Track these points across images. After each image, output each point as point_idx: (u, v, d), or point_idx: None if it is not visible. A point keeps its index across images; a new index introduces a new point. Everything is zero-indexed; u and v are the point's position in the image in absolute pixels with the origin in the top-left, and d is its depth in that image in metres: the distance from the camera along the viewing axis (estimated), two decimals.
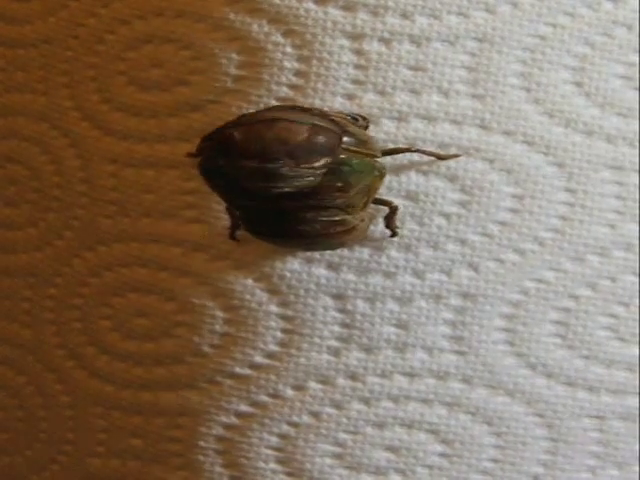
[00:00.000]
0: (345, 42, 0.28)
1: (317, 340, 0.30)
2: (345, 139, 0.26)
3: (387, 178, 0.28)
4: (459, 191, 0.29)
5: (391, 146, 0.28)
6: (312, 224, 0.27)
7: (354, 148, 0.26)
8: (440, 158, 0.28)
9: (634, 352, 0.30)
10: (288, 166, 0.25)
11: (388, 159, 0.28)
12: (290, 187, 0.25)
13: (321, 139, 0.25)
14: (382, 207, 0.28)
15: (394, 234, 0.29)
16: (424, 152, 0.28)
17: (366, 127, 0.27)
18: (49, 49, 0.30)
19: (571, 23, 0.28)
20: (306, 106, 0.27)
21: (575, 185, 0.29)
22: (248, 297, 0.30)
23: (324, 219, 0.27)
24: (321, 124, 0.26)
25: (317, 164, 0.25)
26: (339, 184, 0.26)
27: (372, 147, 0.27)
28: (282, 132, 0.25)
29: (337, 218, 0.27)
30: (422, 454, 0.30)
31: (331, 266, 0.29)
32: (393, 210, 0.28)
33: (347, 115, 0.27)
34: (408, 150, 0.28)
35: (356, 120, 0.27)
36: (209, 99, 0.29)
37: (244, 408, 0.30)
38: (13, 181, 0.32)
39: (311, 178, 0.25)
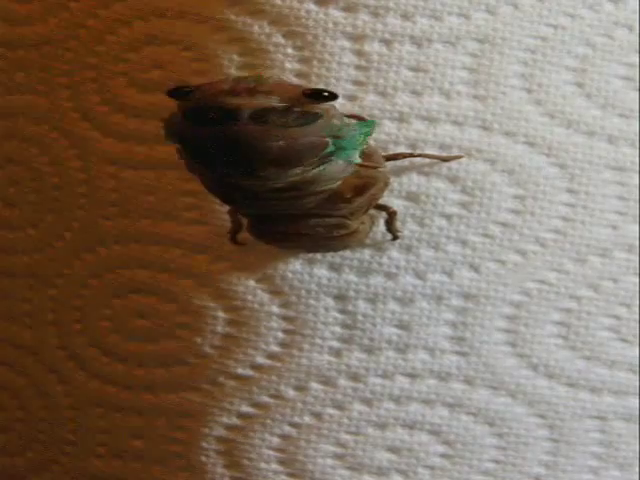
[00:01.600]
0: (346, 43, 0.28)
1: (318, 341, 0.30)
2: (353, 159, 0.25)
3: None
4: (460, 192, 0.29)
5: (392, 148, 0.28)
6: (315, 228, 0.27)
7: (360, 162, 0.26)
8: (442, 160, 0.28)
9: (636, 353, 0.30)
10: (276, 174, 0.24)
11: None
12: (284, 183, 0.25)
13: (303, 143, 0.24)
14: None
15: (395, 237, 0.29)
16: (426, 156, 0.28)
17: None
18: (50, 50, 0.30)
19: (572, 24, 0.28)
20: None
21: (577, 186, 0.29)
22: (250, 298, 0.30)
23: (326, 224, 0.27)
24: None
25: (307, 162, 0.24)
26: (348, 195, 0.26)
27: (377, 160, 0.27)
28: (254, 142, 0.24)
29: (337, 222, 0.27)
30: (424, 455, 0.30)
31: (332, 267, 0.29)
32: (391, 215, 0.28)
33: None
34: (411, 155, 0.28)
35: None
36: None
37: (246, 409, 0.30)
38: (13, 182, 0.32)
39: (301, 174, 0.25)
